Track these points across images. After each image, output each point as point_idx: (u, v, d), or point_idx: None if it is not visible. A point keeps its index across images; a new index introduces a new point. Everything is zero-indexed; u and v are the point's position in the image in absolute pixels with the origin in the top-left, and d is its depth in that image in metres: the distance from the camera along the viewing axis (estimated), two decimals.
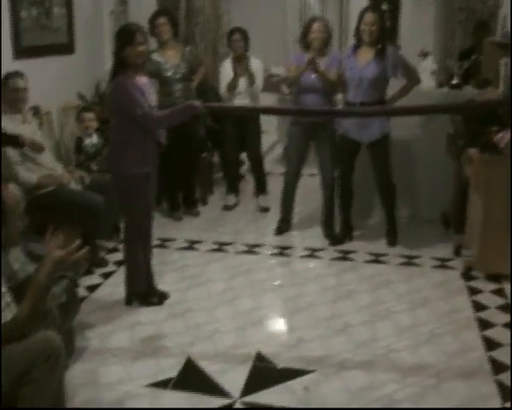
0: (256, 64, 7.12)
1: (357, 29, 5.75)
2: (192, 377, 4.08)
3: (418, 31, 9.42)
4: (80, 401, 3.80)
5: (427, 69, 6.66)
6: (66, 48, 6.91)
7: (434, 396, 3.84)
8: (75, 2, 7.00)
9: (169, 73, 6.63)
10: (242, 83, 7.04)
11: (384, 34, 5.76)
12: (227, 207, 7.44)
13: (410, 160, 6.60)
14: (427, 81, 6.73)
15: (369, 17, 5.64)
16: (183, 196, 7.22)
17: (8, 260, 3.27)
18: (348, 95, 5.83)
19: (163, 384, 3.98)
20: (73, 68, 6.96)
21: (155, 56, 6.60)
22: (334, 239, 6.23)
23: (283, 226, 6.59)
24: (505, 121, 5.23)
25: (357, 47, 5.82)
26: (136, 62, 4.61)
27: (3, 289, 2.99)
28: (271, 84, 9.14)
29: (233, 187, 7.60)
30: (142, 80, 4.70)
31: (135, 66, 4.62)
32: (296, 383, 3.99)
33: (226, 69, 7.10)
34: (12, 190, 3.16)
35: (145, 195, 4.78)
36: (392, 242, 6.13)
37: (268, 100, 8.26)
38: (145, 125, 4.58)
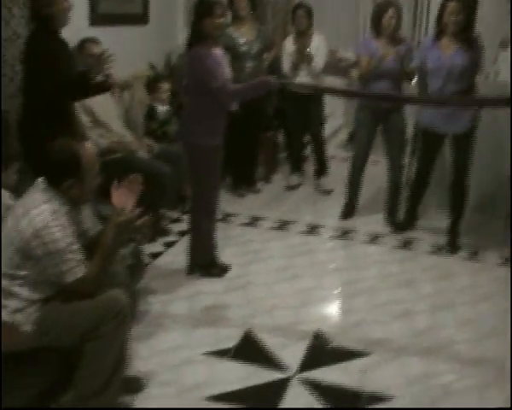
0: (319, 41, 7.00)
1: (440, 20, 5.42)
2: (250, 349, 4.12)
3: (497, 18, 9.20)
4: (140, 362, 3.87)
5: (507, 60, 6.44)
6: (141, 18, 6.97)
7: (493, 391, 3.81)
8: None
9: (243, 49, 6.63)
10: (298, 63, 6.95)
11: (470, 23, 5.43)
12: (290, 187, 7.45)
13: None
14: (506, 73, 6.51)
15: (453, 7, 5.28)
16: (244, 173, 7.23)
17: (80, 218, 3.33)
18: (433, 87, 5.47)
19: (221, 353, 4.03)
20: (146, 39, 7.02)
21: (230, 31, 6.61)
22: (397, 226, 6.19)
23: (348, 211, 6.57)
24: None
25: (437, 38, 5.49)
26: (214, 34, 4.63)
27: (75, 247, 3.06)
28: (340, 68, 9.09)
29: (296, 167, 7.61)
30: (218, 52, 4.72)
31: (212, 38, 4.63)
32: (353, 364, 4.00)
33: (287, 46, 7.04)
34: (89, 148, 3.22)
35: (214, 166, 4.82)
36: (455, 248, 5.82)
37: (336, 84, 8.21)
38: (219, 98, 4.60)
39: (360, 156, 6.35)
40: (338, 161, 8.45)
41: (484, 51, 5.50)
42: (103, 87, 4.81)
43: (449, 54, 5.39)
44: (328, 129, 8.17)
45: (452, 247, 5.80)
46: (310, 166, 7.90)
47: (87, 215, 3.45)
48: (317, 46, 6.94)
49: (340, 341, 4.27)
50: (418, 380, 3.86)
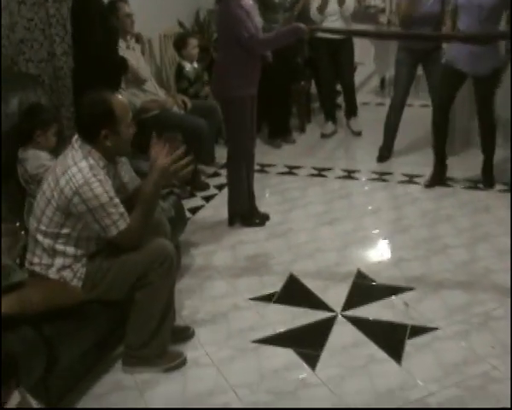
0: None
1: None
2: (295, 292, 4.25)
3: None
4: (187, 312, 4.01)
5: None
6: None
7: None
8: None
9: (277, 0, 6.68)
10: (332, 4, 6.96)
11: None
12: (325, 135, 7.52)
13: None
14: None
15: None
16: (279, 124, 7.31)
17: (119, 173, 3.42)
18: (463, 25, 5.32)
19: (267, 298, 4.16)
20: None
21: None
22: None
23: (385, 153, 6.64)
24: None
25: None
26: None
27: (116, 200, 3.14)
28: (368, 14, 9.09)
29: (330, 115, 7.67)
30: (248, 3, 4.76)
31: None
32: (396, 299, 4.11)
33: None
34: (119, 97, 3.26)
35: (250, 117, 4.92)
36: (489, 183, 5.82)
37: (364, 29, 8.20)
38: (251, 48, 4.66)
39: (399, 97, 6.40)
40: (370, 106, 8.52)
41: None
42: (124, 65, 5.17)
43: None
44: (359, 76, 8.24)
45: (487, 183, 5.81)
46: (343, 115, 7.95)
47: (126, 170, 3.54)
48: None
49: (381, 279, 4.38)
50: (460, 310, 3.96)
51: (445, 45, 5.92)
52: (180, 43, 6.42)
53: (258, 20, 4.82)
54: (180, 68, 6.34)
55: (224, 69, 4.79)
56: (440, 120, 5.77)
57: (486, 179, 5.84)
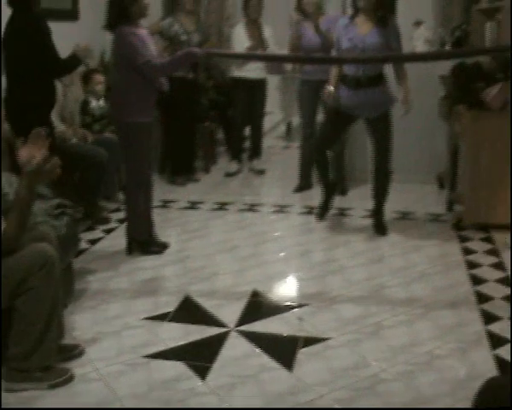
0: (269, 31, 7.40)
1: None
2: (189, 311, 4.24)
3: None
4: (78, 332, 3.93)
5: (421, 37, 6.80)
6: (71, 14, 7.00)
7: (422, 323, 4.01)
8: None
9: (184, 38, 6.84)
10: (255, 48, 7.20)
11: (384, 1, 5.33)
12: (229, 174, 7.63)
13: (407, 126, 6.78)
14: (422, 48, 6.87)
15: None
16: (183, 163, 7.37)
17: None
18: (346, 68, 5.37)
19: (161, 318, 4.12)
20: (77, 35, 7.03)
21: (171, 20, 6.95)
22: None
23: (302, 183, 6.91)
24: (490, 79, 5.40)
25: (353, 16, 5.35)
26: (143, 16, 4.86)
27: None
28: (275, 65, 9.31)
29: (236, 155, 7.80)
30: (144, 32, 4.89)
31: (138, 18, 4.83)
32: (290, 315, 4.15)
33: (239, 34, 7.33)
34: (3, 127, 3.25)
35: (147, 143, 4.96)
36: (382, 232, 5.61)
37: (272, 80, 8.39)
38: (147, 74, 4.74)
39: (307, 128, 6.67)
40: (275, 149, 8.75)
41: (399, 31, 5.40)
42: None
43: (363, 33, 5.24)
44: (266, 124, 8.45)
45: (379, 230, 5.64)
46: (247, 156, 8.10)
47: (5, 182, 3.49)
48: (269, 35, 7.33)
49: (277, 297, 4.43)
50: (352, 322, 4.03)
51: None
52: (85, 78, 6.44)
53: (153, 48, 4.91)
54: (85, 104, 6.35)
55: (121, 95, 4.85)
56: (322, 158, 5.77)
57: (378, 226, 5.68)
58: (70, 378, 3.43)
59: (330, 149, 5.84)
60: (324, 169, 5.82)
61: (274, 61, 7.47)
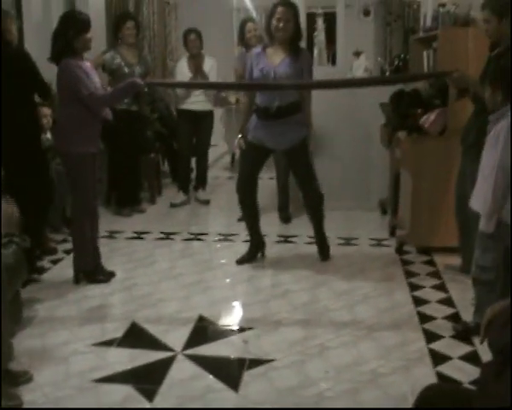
0: (211, 63, 7.58)
1: (268, 25, 5.20)
2: (136, 337, 4.26)
3: (355, 34, 10.00)
4: (26, 358, 3.92)
5: (361, 66, 7.01)
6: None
7: (366, 343, 4.10)
8: (24, 5, 7.15)
9: (126, 71, 6.90)
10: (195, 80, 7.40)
11: (299, 33, 5.26)
12: (174, 205, 7.67)
13: (350, 154, 6.99)
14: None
15: (281, 13, 5.09)
16: (129, 194, 7.39)
17: None
18: (258, 98, 5.28)
19: (108, 343, 4.14)
20: None
21: (113, 53, 7.03)
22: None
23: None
24: (428, 104, 5.58)
25: (266, 46, 5.29)
26: (86, 49, 4.97)
27: None
28: (218, 98, 9.44)
29: (183, 185, 7.85)
30: (87, 65, 5.00)
31: (82, 51, 4.94)
32: (235, 338, 4.22)
33: (182, 68, 7.53)
34: None
35: (92, 174, 5.00)
36: (325, 256, 5.64)
37: (215, 113, 8.49)
38: (91, 105, 4.82)
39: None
40: (220, 180, 8.85)
41: (311, 61, 5.49)
42: None
43: (274, 64, 5.17)
44: (211, 156, 8.53)
45: (323, 255, 5.65)
46: (192, 187, 8.16)
47: None
48: (209, 67, 7.50)
49: (222, 321, 4.50)
50: (297, 343, 4.10)
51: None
52: None
53: (97, 80, 4.99)
54: None
55: (65, 126, 4.91)
56: (246, 199, 5.54)
57: (320, 251, 5.68)
58: (20, 404, 3.43)
59: (253, 187, 5.50)
60: (251, 214, 5.62)
61: (210, 89, 7.52)
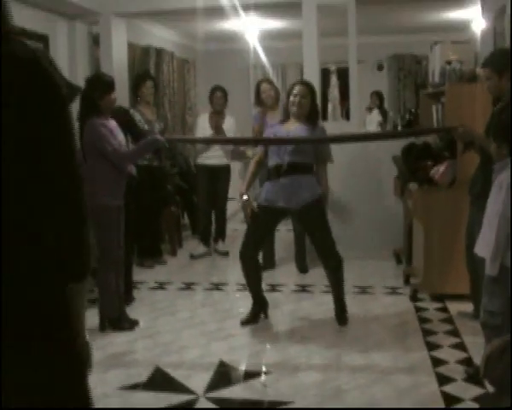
0: (231, 121, 7.93)
1: (287, 103, 5.45)
2: (159, 381, 4.47)
3: (369, 89, 10.36)
4: None
5: (374, 120, 7.28)
6: None
7: (380, 386, 4.27)
8: None
9: (146, 127, 7.20)
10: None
11: (315, 110, 5.50)
12: (194, 256, 7.95)
13: (366, 205, 7.24)
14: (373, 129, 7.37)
15: (299, 90, 5.32)
16: (151, 246, 7.63)
17: None
18: (270, 159, 5.35)
19: (133, 387, 4.35)
20: None
21: (133, 111, 7.28)
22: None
23: (267, 264, 7.13)
24: (437, 157, 5.82)
25: (284, 121, 5.49)
26: (111, 108, 5.30)
27: None
28: (238, 151, 9.73)
29: (204, 238, 8.13)
30: (112, 123, 5.30)
31: (107, 111, 5.24)
32: (255, 382, 4.40)
33: (203, 123, 7.87)
34: None
35: (117, 225, 5.27)
36: (343, 321, 5.44)
37: (234, 167, 8.77)
38: (115, 161, 5.12)
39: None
40: (239, 232, 8.98)
41: (326, 133, 5.53)
42: None
43: (288, 129, 5.35)
44: (230, 209, 8.80)
45: (339, 319, 5.47)
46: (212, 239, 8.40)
47: None
48: (230, 125, 7.83)
49: (242, 366, 4.69)
50: (314, 386, 4.28)
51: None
52: None
53: (121, 138, 5.30)
54: None
55: (91, 180, 5.15)
56: (248, 266, 5.43)
57: (340, 316, 5.49)
58: None
59: (256, 253, 5.48)
60: (254, 277, 5.51)
61: (226, 144, 7.81)
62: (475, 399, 4.01)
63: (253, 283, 5.51)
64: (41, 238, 1.93)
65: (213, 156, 7.88)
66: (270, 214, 5.31)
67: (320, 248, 5.36)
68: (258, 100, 7.32)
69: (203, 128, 7.78)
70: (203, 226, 8.17)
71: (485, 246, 3.96)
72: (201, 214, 8.19)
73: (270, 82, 7.49)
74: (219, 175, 7.95)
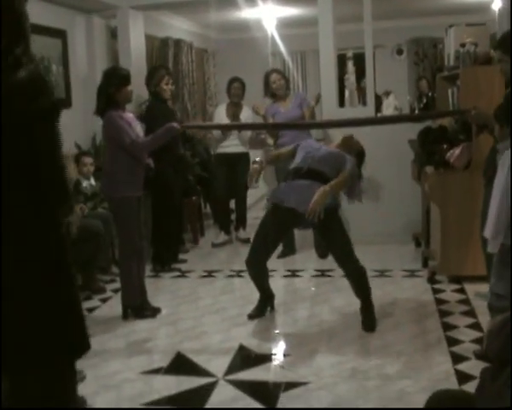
0: (248, 113, 8.04)
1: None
2: (181, 365, 4.59)
3: (388, 73, 10.45)
4: (82, 387, 4.22)
5: (391, 105, 7.33)
6: (64, 102, 7.46)
7: (394, 366, 4.36)
8: (71, 61, 7.65)
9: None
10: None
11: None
12: (216, 245, 8.07)
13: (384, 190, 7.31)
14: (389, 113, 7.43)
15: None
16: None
17: None
18: (294, 162, 5.25)
19: (155, 372, 4.48)
20: (70, 121, 7.48)
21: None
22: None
23: (288, 250, 7.30)
24: (453, 140, 5.87)
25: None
26: (128, 101, 5.43)
27: None
28: (259, 139, 9.82)
29: (224, 227, 8.24)
30: (130, 115, 5.43)
31: (124, 103, 5.36)
32: (273, 365, 4.54)
33: (220, 113, 8.03)
34: None
35: (137, 216, 5.41)
36: (369, 327, 5.06)
37: (254, 155, 8.86)
38: (133, 152, 5.24)
39: None
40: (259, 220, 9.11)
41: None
42: None
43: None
44: (251, 198, 8.91)
45: (366, 325, 5.09)
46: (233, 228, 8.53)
47: None
48: (247, 116, 7.97)
49: (261, 350, 4.79)
50: (330, 367, 4.39)
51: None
52: (76, 160, 6.86)
53: (138, 129, 5.42)
54: (77, 184, 6.73)
55: (111, 172, 5.31)
56: (256, 272, 5.36)
57: (365, 323, 5.12)
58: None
59: (266, 260, 5.26)
60: (260, 281, 5.41)
61: (242, 130, 7.88)
62: None
63: (259, 283, 5.39)
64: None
65: (230, 145, 7.99)
66: (280, 216, 5.02)
67: (339, 261, 5.11)
68: (268, 90, 7.41)
69: (220, 119, 7.92)
70: (222, 215, 8.30)
71: (488, 226, 4.02)
72: (219, 203, 8.32)
73: (279, 72, 7.57)
74: (238, 163, 8.02)
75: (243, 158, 8.09)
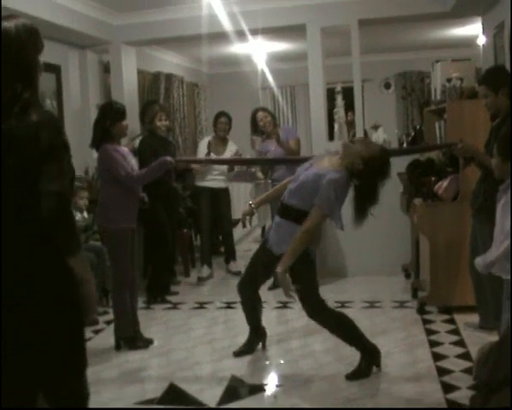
0: (233, 147, 8.16)
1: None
2: (174, 396, 4.62)
3: (376, 107, 10.60)
4: None
5: (380, 138, 7.42)
6: None
7: (386, 395, 4.44)
8: (65, 95, 7.74)
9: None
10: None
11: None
12: (201, 279, 8.11)
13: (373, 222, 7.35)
14: None
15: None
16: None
17: None
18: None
19: (149, 402, 4.51)
20: None
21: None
22: None
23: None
24: (441, 172, 5.98)
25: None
26: (123, 135, 5.56)
27: None
28: (250, 173, 9.92)
29: (206, 259, 8.28)
30: (124, 149, 5.55)
31: (119, 137, 5.48)
32: (266, 395, 4.58)
33: (203, 146, 8.11)
34: None
35: (130, 248, 5.46)
36: (348, 377, 4.75)
37: (246, 187, 8.98)
38: (129, 184, 5.34)
39: None
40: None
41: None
42: None
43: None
44: (242, 230, 8.97)
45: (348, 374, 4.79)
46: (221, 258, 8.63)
47: None
48: (231, 154, 8.04)
49: (253, 380, 4.82)
50: (324, 397, 4.45)
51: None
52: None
53: (133, 162, 5.51)
54: None
55: (106, 204, 5.38)
56: (248, 300, 5.27)
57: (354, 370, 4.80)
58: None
59: (256, 289, 5.19)
60: (252, 313, 5.33)
61: (231, 164, 8.02)
62: None
63: (250, 315, 5.30)
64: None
65: (212, 179, 8.11)
66: (264, 251, 4.88)
67: (304, 303, 4.82)
68: (256, 128, 7.53)
69: (203, 152, 8.01)
70: (204, 248, 8.36)
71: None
72: (202, 236, 8.43)
73: (264, 109, 7.72)
74: (218, 198, 8.19)
75: (223, 192, 8.27)
